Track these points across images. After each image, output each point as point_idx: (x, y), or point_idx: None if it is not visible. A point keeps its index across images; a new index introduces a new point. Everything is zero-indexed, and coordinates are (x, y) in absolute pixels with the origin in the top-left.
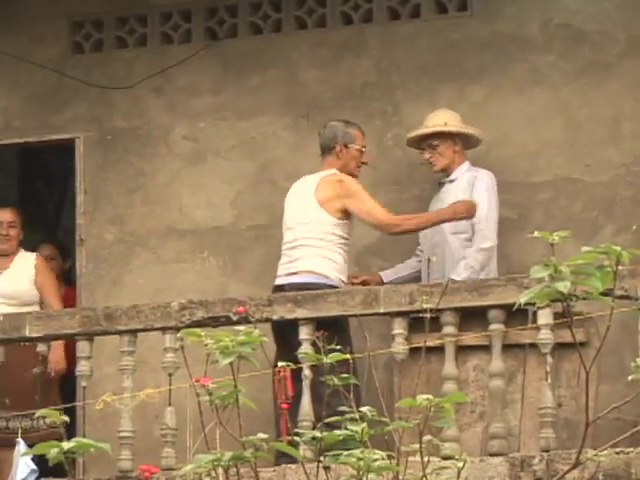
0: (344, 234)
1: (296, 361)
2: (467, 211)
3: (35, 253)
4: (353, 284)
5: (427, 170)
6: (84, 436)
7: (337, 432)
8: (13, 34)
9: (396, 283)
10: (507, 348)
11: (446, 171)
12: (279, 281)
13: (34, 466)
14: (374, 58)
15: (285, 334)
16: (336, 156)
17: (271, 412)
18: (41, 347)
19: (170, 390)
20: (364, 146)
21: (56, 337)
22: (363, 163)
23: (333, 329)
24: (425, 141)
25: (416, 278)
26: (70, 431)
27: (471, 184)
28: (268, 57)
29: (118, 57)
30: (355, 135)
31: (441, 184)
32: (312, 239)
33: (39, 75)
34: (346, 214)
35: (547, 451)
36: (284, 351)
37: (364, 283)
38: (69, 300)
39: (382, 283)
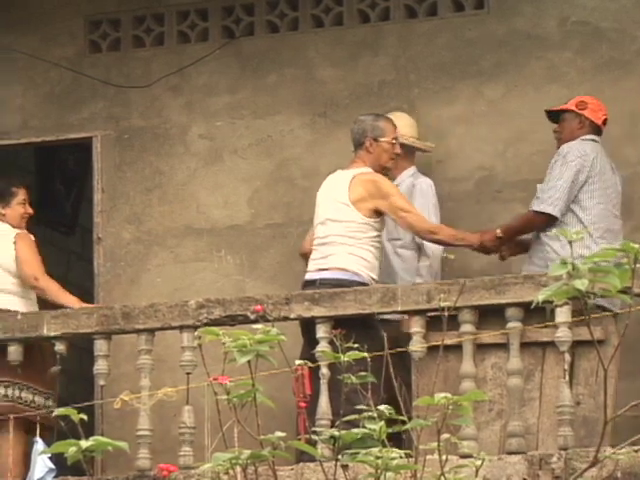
0: (375, 232)
1: (316, 359)
2: (490, 241)
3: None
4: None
5: (444, 167)
6: (102, 435)
7: (355, 430)
8: (30, 33)
9: None
10: (525, 346)
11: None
12: (310, 276)
13: (52, 465)
14: (391, 56)
15: (311, 331)
16: (367, 151)
17: (289, 410)
18: (59, 346)
19: (188, 389)
20: (395, 138)
21: (74, 336)
22: (397, 155)
23: (360, 327)
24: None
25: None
26: (88, 430)
27: (410, 191)
28: (285, 55)
29: (135, 56)
30: (385, 128)
31: None
32: (343, 237)
33: (56, 74)
34: (378, 213)
35: (565, 449)
36: (311, 348)
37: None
38: None
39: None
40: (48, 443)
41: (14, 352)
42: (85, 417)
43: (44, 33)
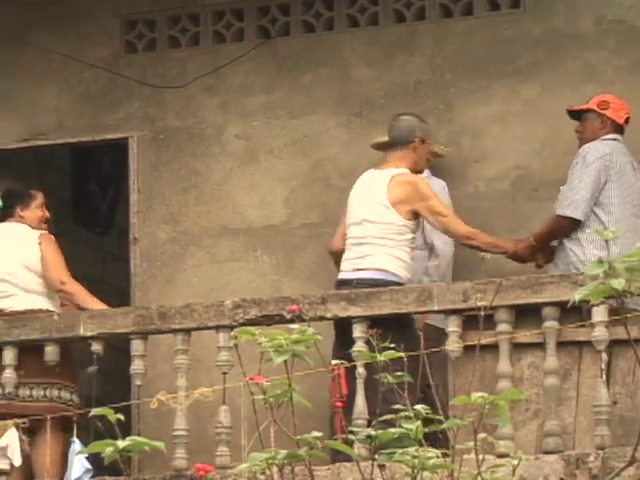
0: (412, 235)
1: (351, 359)
2: (524, 249)
3: None
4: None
5: (480, 167)
6: (139, 435)
7: (392, 430)
8: (65, 34)
9: None
10: (562, 345)
11: None
12: (345, 275)
13: (89, 465)
14: (427, 56)
15: (347, 331)
16: (412, 150)
17: (325, 410)
18: (95, 346)
19: (224, 389)
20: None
21: (110, 336)
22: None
23: (396, 327)
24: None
25: None
26: (125, 430)
27: None
28: (321, 55)
29: (171, 56)
30: (429, 130)
31: None
32: (382, 238)
33: (92, 74)
34: (415, 215)
35: (602, 449)
36: (343, 347)
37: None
38: None
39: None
40: (85, 443)
41: (51, 352)
42: (122, 417)
43: (80, 34)
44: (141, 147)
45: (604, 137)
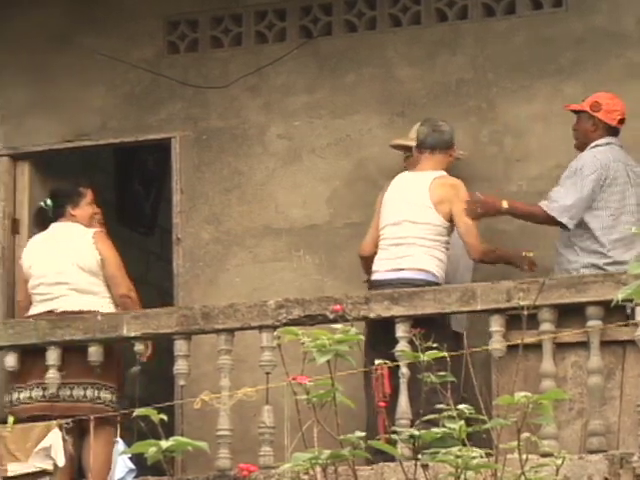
0: (448, 237)
1: (391, 358)
2: (530, 266)
3: None
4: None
5: (522, 166)
6: (182, 435)
7: (435, 430)
8: (108, 34)
9: None
10: (605, 345)
11: None
12: (383, 276)
13: (132, 465)
14: (469, 55)
15: (384, 330)
16: (449, 155)
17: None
18: (139, 346)
19: (267, 389)
20: None
21: (154, 336)
22: None
23: (430, 326)
24: (406, 149)
25: None
26: (168, 430)
27: None
28: (363, 55)
29: (213, 56)
30: None
31: None
32: (422, 238)
33: (134, 75)
34: (452, 218)
35: None
36: (378, 347)
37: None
38: None
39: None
40: (128, 443)
41: (94, 353)
42: (165, 417)
43: (123, 35)
44: (184, 147)
45: (597, 142)
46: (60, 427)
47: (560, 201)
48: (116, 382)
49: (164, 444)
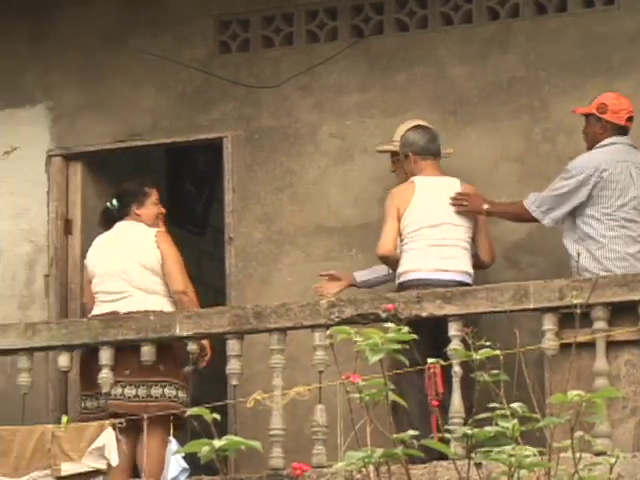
0: None
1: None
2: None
3: None
4: (321, 275)
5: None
6: (235, 434)
7: (488, 429)
8: (160, 35)
9: (371, 284)
10: None
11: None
12: (427, 275)
13: (185, 464)
14: (521, 53)
15: (438, 332)
16: (439, 160)
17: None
18: (191, 346)
19: (320, 388)
20: None
21: (206, 336)
22: None
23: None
24: (392, 154)
25: (391, 280)
26: (221, 429)
27: None
28: (414, 54)
29: (265, 56)
30: None
31: None
32: (462, 241)
33: (186, 75)
34: None
35: None
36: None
37: (332, 278)
38: None
39: (354, 283)
40: (182, 443)
41: (147, 352)
42: (218, 417)
43: (175, 34)
44: (236, 147)
45: (602, 143)
46: (113, 426)
47: (545, 201)
48: (179, 377)
49: (217, 443)
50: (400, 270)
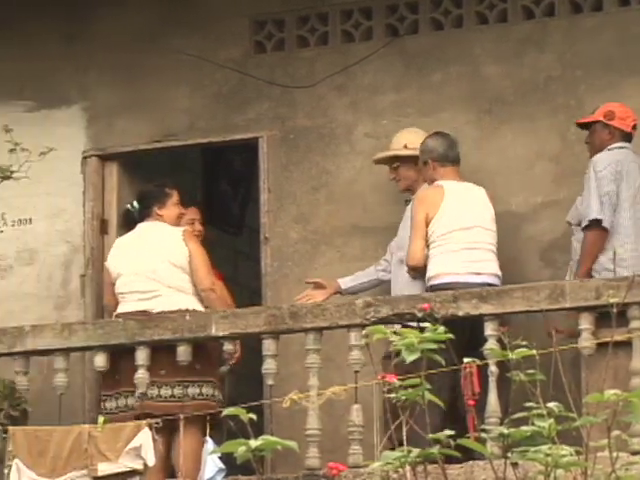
0: None
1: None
2: None
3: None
4: (307, 282)
5: None
6: (271, 434)
7: (524, 428)
8: (195, 35)
9: (355, 291)
10: None
11: (411, 190)
12: (462, 278)
13: (222, 464)
14: (557, 52)
15: (475, 332)
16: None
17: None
18: (227, 346)
19: (356, 387)
20: None
21: (242, 336)
22: None
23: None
24: (391, 162)
25: (375, 286)
26: (257, 429)
27: None
28: (450, 53)
29: (300, 56)
30: None
31: (407, 202)
32: (492, 245)
33: (221, 75)
34: None
35: None
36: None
37: (317, 285)
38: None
39: (339, 290)
40: (218, 442)
41: (183, 352)
42: (254, 417)
43: (210, 35)
44: (271, 147)
45: (611, 146)
46: (150, 426)
47: (589, 209)
48: (215, 376)
49: (253, 443)
50: (431, 273)
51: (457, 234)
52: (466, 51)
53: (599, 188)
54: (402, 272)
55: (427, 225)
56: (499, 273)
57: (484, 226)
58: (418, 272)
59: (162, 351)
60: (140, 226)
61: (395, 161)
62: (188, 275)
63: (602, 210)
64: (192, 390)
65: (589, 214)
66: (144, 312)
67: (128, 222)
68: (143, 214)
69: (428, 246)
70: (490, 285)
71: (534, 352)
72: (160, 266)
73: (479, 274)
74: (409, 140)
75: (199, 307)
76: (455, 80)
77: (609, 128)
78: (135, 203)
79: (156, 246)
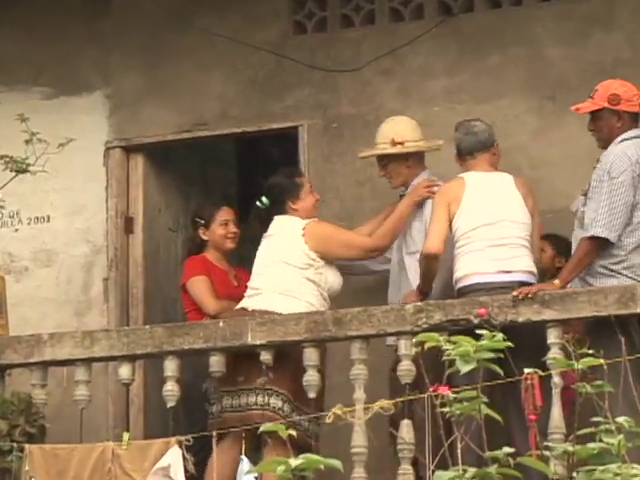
0: None
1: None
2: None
3: None
4: None
5: None
6: (313, 452)
7: (591, 445)
8: (229, 14)
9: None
10: None
11: (404, 185)
12: (491, 278)
13: None
14: (625, 31)
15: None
16: (493, 153)
17: None
18: (265, 356)
19: (406, 401)
20: None
21: (280, 344)
22: None
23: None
24: (379, 158)
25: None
26: (299, 447)
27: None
28: (508, 33)
29: (343, 37)
30: None
31: (401, 197)
32: (523, 239)
33: (257, 58)
34: None
35: None
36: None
37: None
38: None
39: None
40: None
41: (216, 363)
42: (294, 433)
43: (245, 14)
44: (312, 137)
45: (624, 136)
46: (180, 444)
47: (601, 217)
48: (288, 389)
49: (294, 462)
50: (459, 274)
51: (482, 230)
52: (526, 31)
53: (612, 199)
54: (403, 272)
55: (450, 220)
56: (534, 269)
57: (511, 219)
58: (432, 266)
59: (241, 357)
60: (275, 219)
61: (383, 158)
62: (303, 276)
63: (611, 226)
64: (260, 398)
65: (594, 228)
66: (243, 309)
67: (261, 222)
68: (275, 210)
69: (455, 243)
70: (522, 283)
71: (602, 361)
72: (270, 264)
73: (509, 272)
74: (397, 133)
75: (296, 310)
76: (514, 63)
77: (617, 114)
78: (264, 199)
79: (273, 244)
